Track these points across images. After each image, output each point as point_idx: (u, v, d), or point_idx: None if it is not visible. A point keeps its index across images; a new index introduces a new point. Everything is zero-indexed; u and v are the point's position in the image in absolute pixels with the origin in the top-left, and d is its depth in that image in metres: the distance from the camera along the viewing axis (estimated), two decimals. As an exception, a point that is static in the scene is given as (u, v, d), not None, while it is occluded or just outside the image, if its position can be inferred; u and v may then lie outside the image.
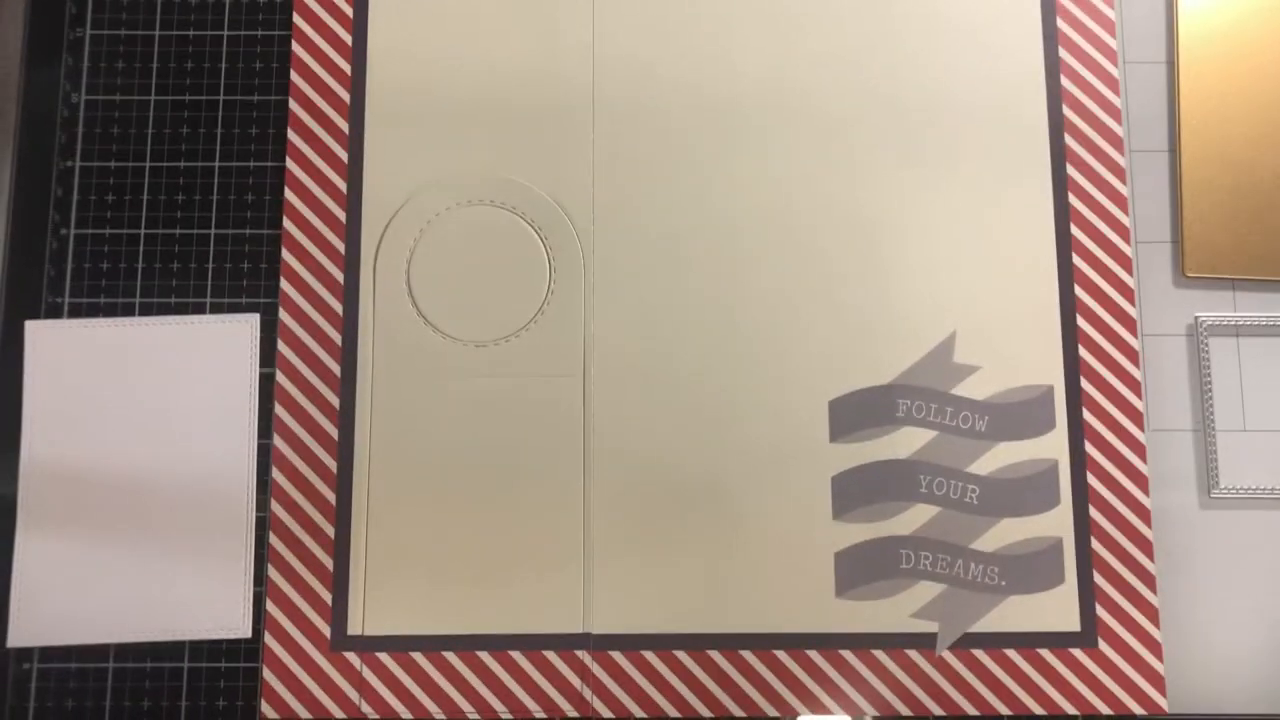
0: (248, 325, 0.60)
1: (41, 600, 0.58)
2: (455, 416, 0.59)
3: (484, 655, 0.57)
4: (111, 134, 0.62)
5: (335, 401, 0.59)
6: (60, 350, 0.60)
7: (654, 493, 0.58)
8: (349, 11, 0.63)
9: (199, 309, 0.61)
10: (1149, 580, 0.58)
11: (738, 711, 0.57)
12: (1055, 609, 0.57)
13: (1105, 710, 0.57)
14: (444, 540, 0.58)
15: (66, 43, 0.63)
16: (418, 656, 0.57)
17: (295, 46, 0.62)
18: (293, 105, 0.62)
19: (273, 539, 0.58)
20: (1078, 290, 0.60)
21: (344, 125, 0.61)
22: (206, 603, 0.58)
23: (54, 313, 0.60)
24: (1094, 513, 0.58)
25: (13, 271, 0.61)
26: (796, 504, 0.58)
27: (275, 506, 0.58)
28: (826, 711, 0.57)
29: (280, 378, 0.59)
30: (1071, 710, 0.57)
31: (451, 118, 0.62)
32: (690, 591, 0.58)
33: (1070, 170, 0.61)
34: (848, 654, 0.57)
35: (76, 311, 0.60)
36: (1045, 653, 0.57)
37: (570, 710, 0.57)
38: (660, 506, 0.58)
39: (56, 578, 0.58)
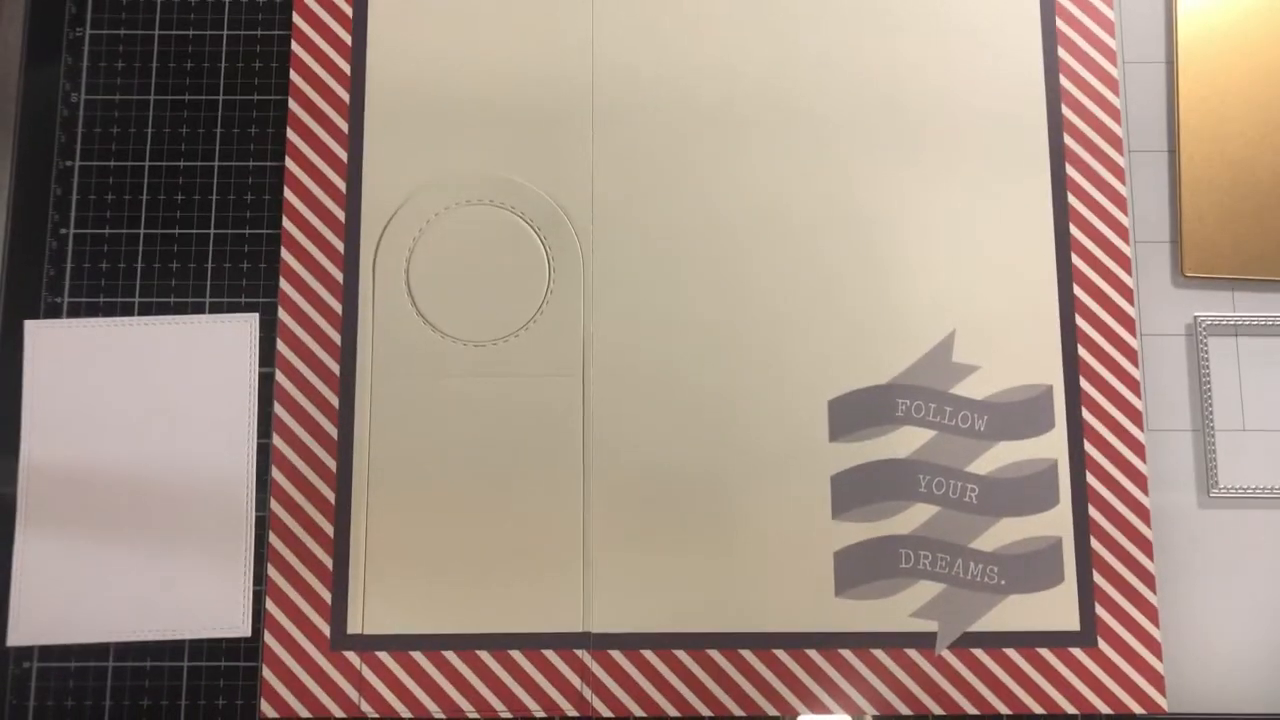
0: (247, 325, 0.60)
1: (41, 599, 0.58)
2: (455, 416, 0.59)
3: (484, 654, 0.57)
4: (111, 133, 0.62)
5: (335, 401, 0.59)
6: (60, 350, 0.60)
7: (653, 492, 0.58)
8: (349, 11, 0.63)
9: (198, 309, 0.61)
10: (1148, 580, 0.58)
11: (737, 711, 0.57)
12: (1055, 608, 0.57)
13: (1105, 710, 0.57)
14: (443, 539, 0.58)
15: (66, 42, 0.63)
16: (417, 656, 0.57)
17: (295, 46, 0.62)
18: (292, 105, 0.62)
19: (272, 538, 0.58)
20: (1077, 290, 0.60)
21: (343, 125, 0.61)
22: (206, 602, 0.58)
23: (53, 312, 0.60)
24: (1093, 512, 0.58)
25: (12, 271, 0.61)
26: (796, 503, 0.58)
27: (275, 506, 0.58)
28: (826, 711, 0.57)
29: (280, 377, 0.59)
30: (1071, 710, 0.57)
31: (451, 117, 0.62)
32: (690, 591, 0.58)
33: (1069, 170, 0.61)
34: (847, 653, 0.57)
35: (76, 311, 0.60)
36: (1045, 652, 0.57)
37: (570, 709, 0.57)
38: (660, 506, 0.58)
39: (56, 577, 0.58)
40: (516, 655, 0.57)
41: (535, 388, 0.59)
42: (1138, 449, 0.59)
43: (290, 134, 0.61)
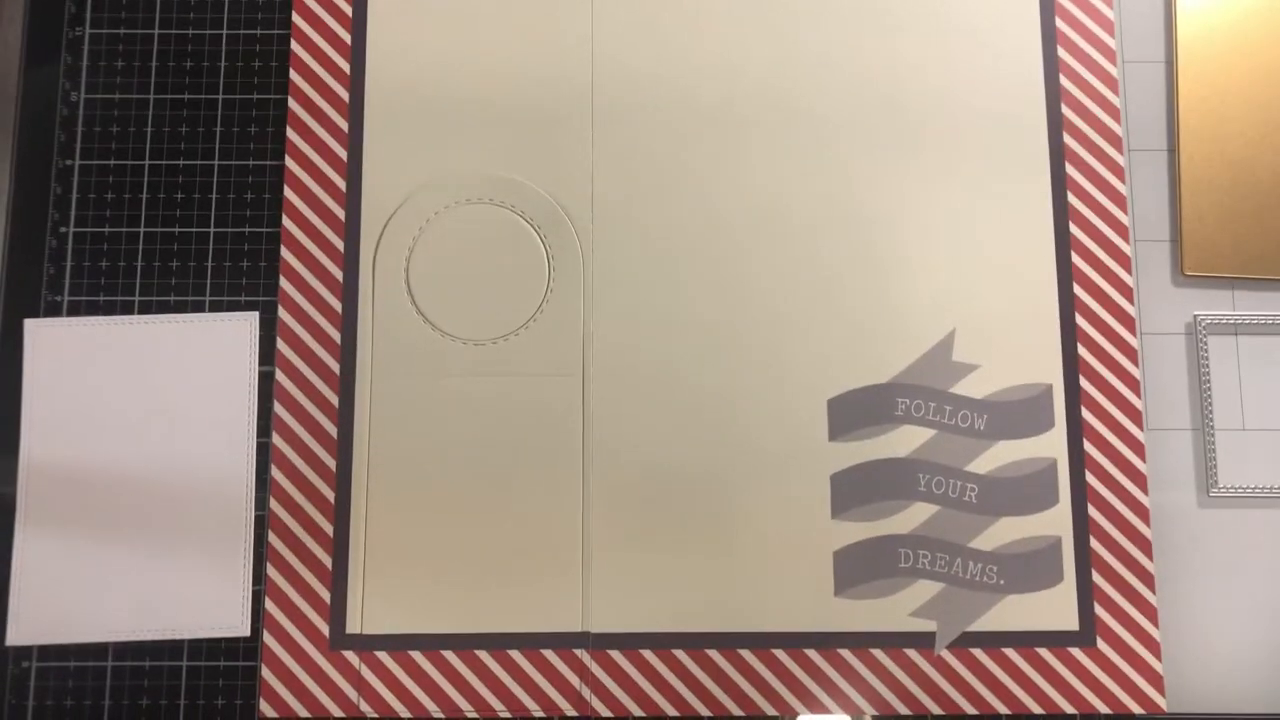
0: (247, 323, 0.60)
1: (40, 599, 0.58)
2: (454, 415, 0.59)
3: (483, 654, 0.57)
4: (111, 132, 0.62)
5: (334, 400, 0.59)
6: (59, 348, 0.60)
7: (653, 492, 0.58)
8: (348, 11, 0.63)
9: (198, 307, 0.61)
10: (1148, 579, 0.58)
11: (736, 711, 0.57)
12: (1054, 608, 0.57)
13: (1104, 709, 0.57)
14: (443, 539, 0.58)
15: (66, 41, 0.63)
16: (416, 655, 0.57)
17: (294, 45, 0.62)
18: (292, 104, 0.62)
19: (272, 538, 0.58)
20: (1077, 289, 0.60)
21: (343, 124, 0.61)
22: (205, 601, 0.57)
23: (53, 311, 0.60)
24: (1093, 512, 0.58)
25: (12, 270, 0.61)
26: (795, 503, 0.58)
27: (274, 505, 0.58)
28: (825, 711, 0.57)
29: (279, 376, 0.59)
30: (1070, 709, 0.57)
31: (451, 116, 0.62)
32: (689, 591, 0.58)
33: (1069, 169, 0.61)
34: (846, 653, 0.57)
35: (76, 310, 0.60)
36: (1044, 652, 0.57)
37: (569, 709, 0.57)
38: (659, 506, 0.58)
39: (55, 576, 0.58)
40: (515, 655, 0.57)
41: (535, 387, 0.59)
42: (1137, 448, 0.59)
43: (290, 133, 0.61)
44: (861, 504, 0.58)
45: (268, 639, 0.57)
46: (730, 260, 0.60)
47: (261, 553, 0.58)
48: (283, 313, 0.60)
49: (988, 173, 0.61)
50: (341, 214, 0.61)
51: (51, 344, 0.60)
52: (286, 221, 0.61)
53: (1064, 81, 0.62)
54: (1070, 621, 0.57)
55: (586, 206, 0.61)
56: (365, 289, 0.60)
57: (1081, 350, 0.59)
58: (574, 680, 0.57)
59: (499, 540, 0.58)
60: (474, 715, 0.57)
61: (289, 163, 0.61)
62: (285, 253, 0.60)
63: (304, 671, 0.57)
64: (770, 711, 0.57)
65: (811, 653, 0.57)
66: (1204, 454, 0.60)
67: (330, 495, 0.58)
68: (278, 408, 0.59)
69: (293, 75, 0.62)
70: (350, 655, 0.57)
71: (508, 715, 0.57)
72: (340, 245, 0.60)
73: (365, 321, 0.60)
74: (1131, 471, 0.58)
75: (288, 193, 0.61)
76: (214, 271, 0.61)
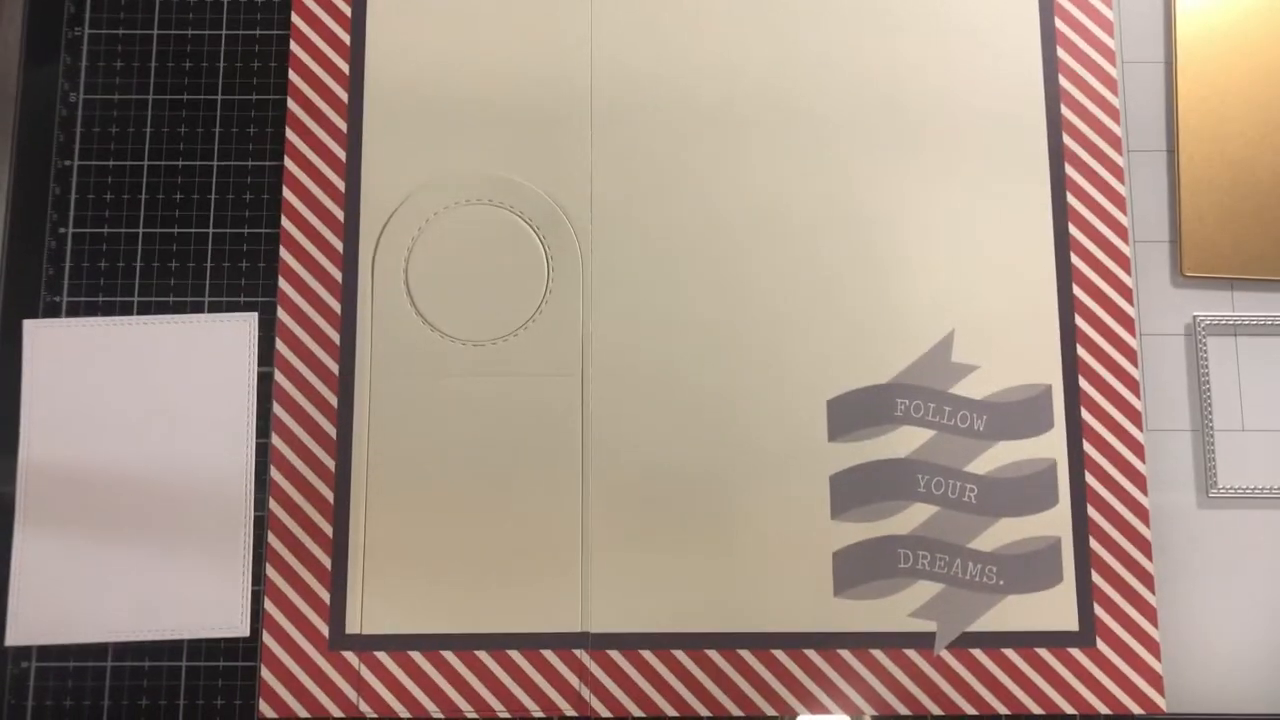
0: (246, 324, 0.60)
1: (40, 599, 0.58)
2: (453, 416, 0.59)
3: (482, 654, 0.57)
4: (110, 133, 0.62)
5: (333, 400, 0.59)
6: (58, 349, 0.60)
7: (652, 492, 0.58)
8: (347, 11, 0.63)
9: (197, 308, 0.61)
10: (1147, 580, 0.58)
11: (736, 711, 0.57)
12: (1053, 608, 0.57)
13: (1103, 710, 0.57)
14: (442, 539, 0.58)
15: (65, 42, 0.63)
16: (416, 655, 0.57)
17: (293, 46, 0.62)
18: (291, 105, 0.62)
19: (271, 538, 0.58)
20: (1076, 290, 0.60)
21: (342, 124, 0.61)
22: (205, 602, 0.58)
23: (52, 312, 0.60)
24: (1092, 512, 0.58)
25: (11, 270, 0.61)
26: (795, 503, 0.58)
27: (273, 505, 0.58)
28: (825, 711, 0.57)
29: (279, 377, 0.59)
30: (1070, 710, 0.57)
31: (450, 117, 0.62)
32: (688, 591, 0.58)
33: (1069, 170, 0.61)
34: (846, 653, 0.57)
35: (75, 310, 0.60)
36: (1043, 652, 0.57)
37: (568, 709, 0.57)
38: (659, 506, 0.58)
39: (55, 577, 0.58)
40: (515, 655, 0.57)
41: (535, 387, 0.59)
42: (1137, 449, 0.59)
43: (289, 134, 0.61)
44: (861, 504, 0.58)
45: (267, 639, 0.57)
46: (730, 260, 0.60)
47: (261, 553, 0.58)
48: (282, 313, 0.60)
49: (988, 173, 0.61)
50: (341, 214, 0.61)
51: (51, 344, 0.60)
52: (285, 222, 0.61)
53: (1063, 82, 0.62)
54: (1070, 622, 0.57)
55: (586, 207, 0.61)
56: (364, 289, 0.60)
57: (1081, 351, 0.59)
58: (574, 680, 0.57)
59: (499, 540, 0.58)
60: (474, 715, 0.57)
61: (288, 163, 0.61)
62: (284, 253, 0.60)
63: (303, 672, 0.57)
64: (770, 712, 0.57)
65: (811, 653, 0.57)
66: (1203, 455, 0.60)
67: (329, 496, 0.58)
68: (277, 408, 0.59)
69: (292, 76, 0.62)
70: (350, 655, 0.57)
71: (507, 715, 0.57)
72: (339, 246, 0.60)
73: (364, 322, 0.60)
74: (1131, 472, 0.58)
75: (287, 193, 0.61)
76: (213, 272, 0.61)
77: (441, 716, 0.57)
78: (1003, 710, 0.57)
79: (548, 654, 0.57)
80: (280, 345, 0.60)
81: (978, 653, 0.57)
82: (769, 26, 0.62)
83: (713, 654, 0.57)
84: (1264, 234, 0.61)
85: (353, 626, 0.57)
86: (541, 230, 0.61)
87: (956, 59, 0.62)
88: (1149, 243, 0.62)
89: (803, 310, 0.60)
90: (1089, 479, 0.58)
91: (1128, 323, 0.60)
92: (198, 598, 0.58)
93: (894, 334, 0.60)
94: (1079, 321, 0.60)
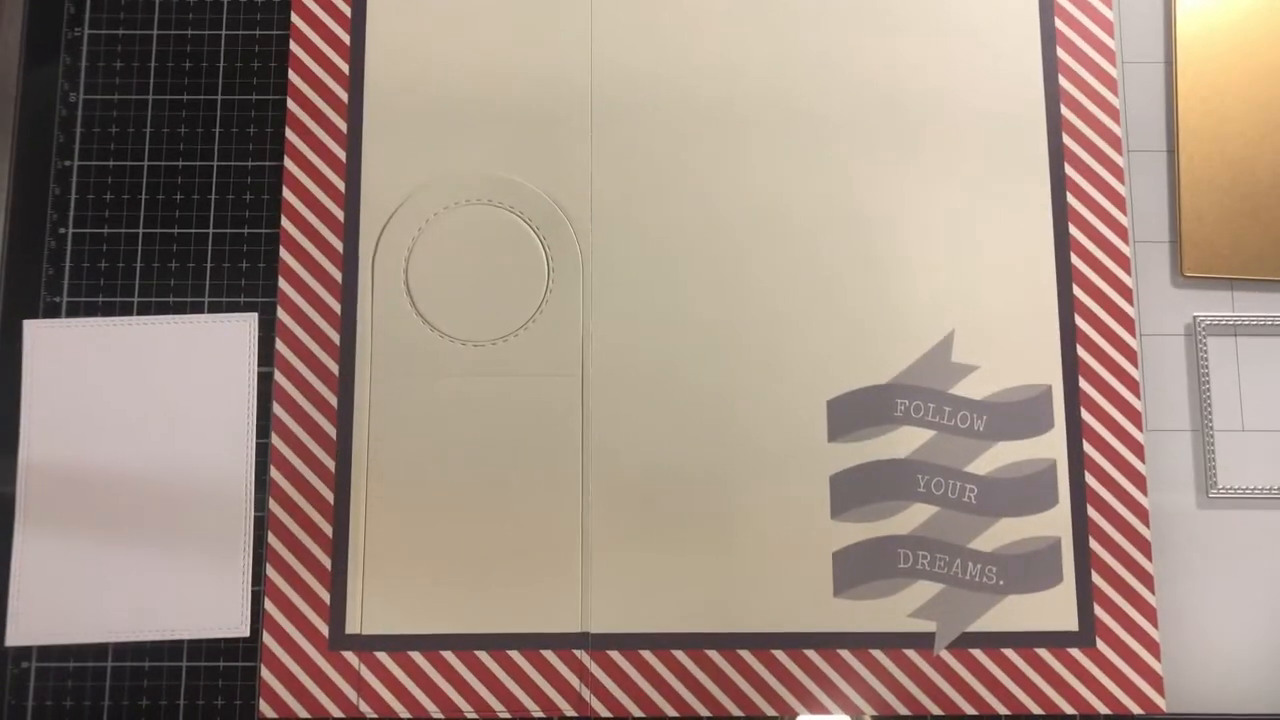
0: (246, 324, 0.60)
1: (40, 599, 0.58)
2: (453, 416, 0.59)
3: (482, 654, 0.57)
4: (110, 133, 0.62)
5: (334, 401, 0.59)
6: (58, 349, 0.60)
7: (652, 492, 0.58)
8: (347, 11, 0.63)
9: (197, 308, 0.61)
10: (1147, 580, 0.58)
11: (736, 711, 0.57)
12: (1053, 609, 0.57)
13: (1103, 710, 0.57)
14: (442, 539, 0.58)
15: (65, 42, 0.63)
16: (416, 656, 0.57)
17: (293, 46, 0.62)
18: (291, 105, 0.62)
19: (271, 538, 0.58)
20: (1076, 290, 0.60)
21: (342, 125, 0.61)
22: (205, 602, 0.58)
23: (52, 312, 0.60)
24: (1092, 512, 0.58)
25: (11, 271, 0.61)
26: (795, 503, 0.58)
27: (273, 506, 0.58)
28: (825, 711, 0.57)
29: (279, 377, 0.59)
30: (1069, 710, 0.57)
31: (450, 117, 0.62)
32: (688, 591, 0.58)
33: (1069, 170, 0.61)
34: (846, 653, 0.57)
35: (75, 311, 0.60)
36: (1043, 652, 0.57)
37: (568, 710, 0.57)
38: (658, 506, 0.58)
39: (55, 577, 0.58)
40: (515, 655, 0.57)
41: (534, 388, 0.59)
42: (1137, 449, 0.59)
43: (289, 134, 0.61)
44: (861, 505, 0.58)
45: (267, 639, 0.57)
46: (730, 260, 0.60)
47: (261, 553, 0.58)
48: (282, 314, 0.60)
49: (988, 173, 0.61)
50: (340, 215, 0.61)
51: (51, 344, 0.60)
52: (285, 222, 0.61)
53: (1063, 82, 0.62)
54: (1070, 622, 0.57)
55: (586, 207, 0.61)
56: (364, 290, 0.60)
57: (1081, 351, 0.59)
58: (573, 681, 0.57)
59: (499, 540, 0.58)
60: (473, 716, 0.57)
61: (288, 163, 0.61)
62: (284, 254, 0.60)
63: (303, 672, 0.57)
64: (770, 712, 0.57)
65: (811, 653, 0.57)
66: (1203, 455, 0.60)
67: (329, 496, 0.58)
68: (277, 408, 0.59)
69: (291, 76, 0.62)
70: (350, 655, 0.57)
71: (507, 715, 0.57)
72: (339, 246, 0.60)
73: (364, 322, 0.60)
74: (1131, 472, 0.58)
75: (287, 193, 0.61)
76: (213, 272, 0.61)
77: (441, 716, 0.57)
78: (1003, 710, 0.57)
79: (548, 654, 0.57)
80: (280, 345, 0.60)
81: (978, 653, 0.57)
82: (769, 26, 0.62)
83: (713, 654, 0.57)
84: (1264, 234, 0.61)
85: (353, 626, 0.57)
86: (541, 230, 0.61)
87: (956, 59, 0.62)
88: (1149, 243, 0.62)
89: (803, 310, 0.60)
90: (1089, 479, 0.58)
91: (1128, 323, 0.60)
92: (198, 598, 0.58)
93: (894, 334, 0.60)
94: (1079, 322, 0.60)
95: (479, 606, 0.57)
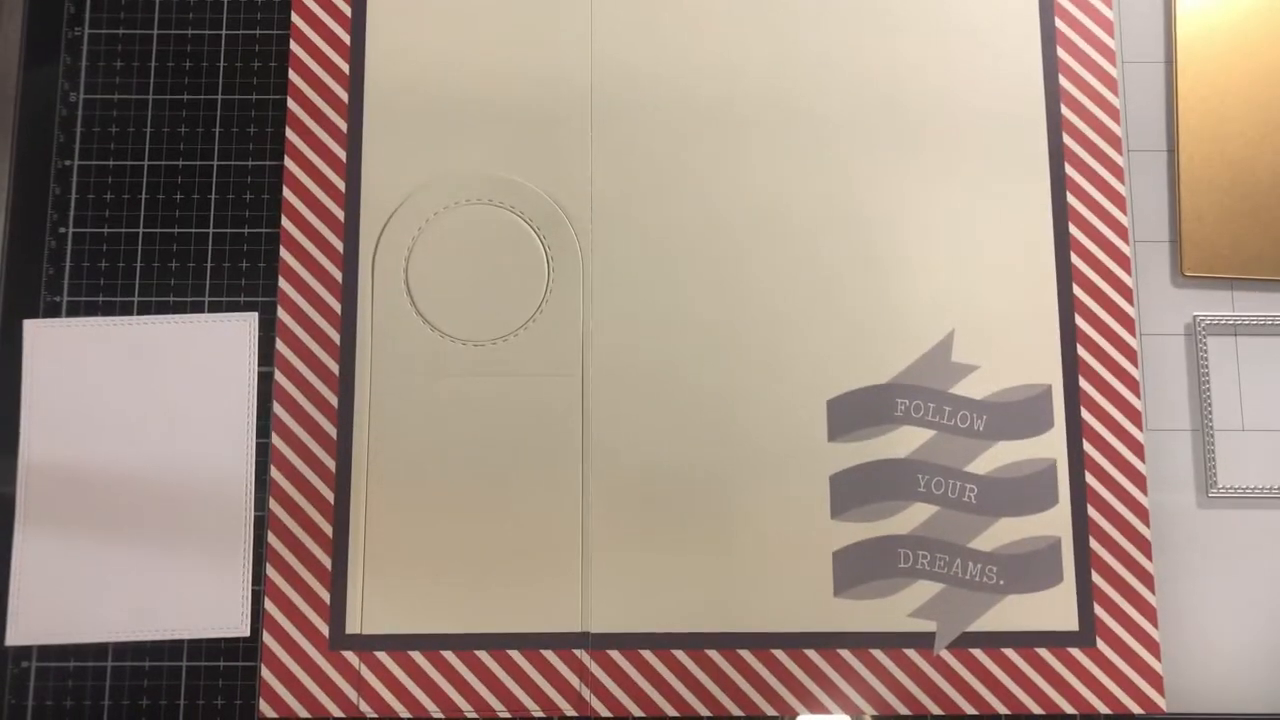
0: (246, 324, 0.60)
1: (40, 599, 0.58)
2: (454, 416, 0.59)
3: (482, 654, 0.57)
4: (110, 133, 0.62)
5: (334, 400, 0.59)
6: (59, 349, 0.60)
7: (652, 492, 0.58)
8: (347, 11, 0.63)
9: (197, 308, 0.61)
10: (1147, 580, 0.58)
11: (736, 711, 0.57)
12: (1053, 608, 0.57)
13: (1103, 710, 0.57)
14: (442, 539, 0.58)
15: (65, 42, 0.63)
16: (416, 655, 0.57)
17: (294, 46, 0.62)
18: (291, 104, 0.62)
19: (271, 538, 0.58)
20: (1076, 289, 0.60)
21: (342, 124, 0.61)
22: (205, 602, 0.58)
23: (52, 312, 0.60)
24: (1092, 512, 0.58)
25: (11, 270, 0.61)
26: (795, 503, 0.58)
27: (274, 505, 0.58)
28: (825, 711, 0.57)
29: (279, 376, 0.59)
30: (1070, 710, 0.57)
31: (450, 117, 0.62)
32: (688, 591, 0.58)
33: (1069, 170, 0.61)
34: (846, 653, 0.57)
35: (75, 310, 0.60)
36: (1043, 652, 0.57)
37: (568, 709, 0.57)
38: (658, 506, 0.58)
39: (55, 576, 0.58)
40: (515, 655, 0.57)
41: (535, 387, 0.59)
42: (1137, 449, 0.59)
43: (289, 133, 0.61)
44: (861, 504, 0.58)
45: (267, 639, 0.57)
46: (730, 260, 0.60)
47: (261, 553, 0.58)
48: (282, 313, 0.60)
49: (988, 173, 0.61)
50: (341, 214, 0.61)
51: (51, 344, 0.60)
52: (286, 222, 0.61)
53: (1063, 82, 0.62)
54: (1070, 622, 0.57)
55: (586, 207, 0.61)
56: (364, 289, 0.60)
57: (1081, 351, 0.59)
58: (574, 680, 0.57)
59: (499, 540, 0.58)
60: (474, 715, 0.57)
61: (288, 163, 0.61)
62: (284, 253, 0.60)
63: (304, 672, 0.57)
64: (770, 711, 0.57)
65: (811, 653, 0.57)
66: (1203, 455, 0.60)
67: (330, 495, 0.58)
68: (277, 408, 0.59)
69: (292, 76, 0.62)
70: (350, 655, 0.57)
71: (508, 715, 0.57)
72: (339, 246, 0.60)
73: (364, 322, 0.60)
74: (1131, 472, 0.58)
75: (287, 193, 0.61)
76: (213, 272, 0.61)
77: (442, 716, 0.57)
78: (1003, 710, 0.57)
79: (548, 654, 0.57)
80: (280, 345, 0.60)
81: (978, 653, 0.57)
82: (769, 26, 0.62)
83: (713, 654, 0.57)
84: (1264, 234, 0.61)
85: (353, 626, 0.57)
86: (541, 230, 0.61)
87: (956, 59, 0.62)
88: (1149, 243, 0.62)
89: (803, 310, 0.60)
90: (1089, 479, 0.58)
91: (1128, 323, 0.60)
92: (198, 598, 0.58)
93: (894, 334, 0.60)
94: (1079, 321, 0.60)
95: (479, 606, 0.57)
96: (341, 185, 0.61)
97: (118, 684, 0.58)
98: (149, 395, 0.59)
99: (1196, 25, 0.62)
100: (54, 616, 0.57)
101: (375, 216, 0.61)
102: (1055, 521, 0.58)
